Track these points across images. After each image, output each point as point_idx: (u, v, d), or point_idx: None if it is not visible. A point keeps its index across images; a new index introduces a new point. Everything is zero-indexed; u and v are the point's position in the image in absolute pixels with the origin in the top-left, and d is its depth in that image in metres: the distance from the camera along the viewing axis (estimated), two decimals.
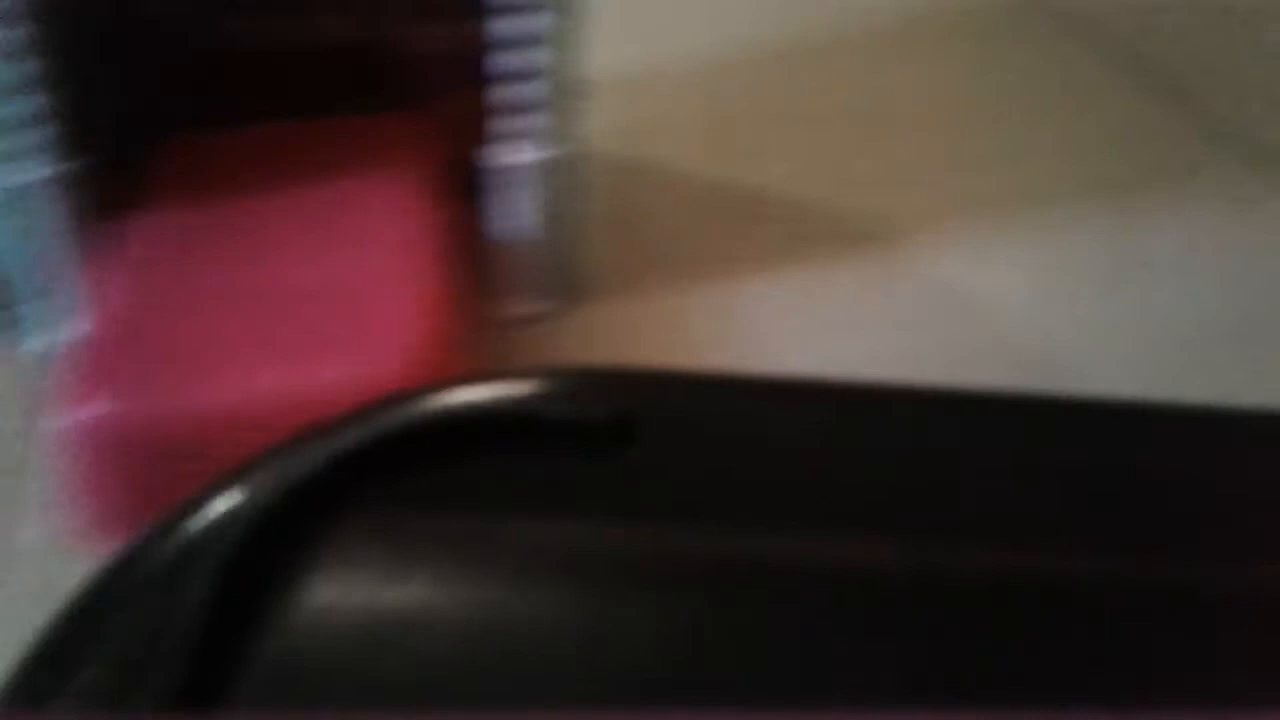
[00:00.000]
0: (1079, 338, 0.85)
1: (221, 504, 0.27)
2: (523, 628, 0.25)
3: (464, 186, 0.95)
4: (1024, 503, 0.27)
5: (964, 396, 0.30)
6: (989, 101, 1.20)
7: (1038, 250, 0.94)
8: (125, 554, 0.28)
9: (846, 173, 1.07)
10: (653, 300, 0.90)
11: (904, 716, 0.24)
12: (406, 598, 0.26)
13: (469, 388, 0.29)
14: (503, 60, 0.84)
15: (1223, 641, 0.26)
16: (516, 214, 0.92)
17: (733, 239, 1.00)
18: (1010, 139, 1.13)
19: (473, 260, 0.91)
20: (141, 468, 0.77)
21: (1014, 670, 0.25)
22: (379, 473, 0.28)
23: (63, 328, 0.94)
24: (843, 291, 0.91)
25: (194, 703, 0.24)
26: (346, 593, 0.27)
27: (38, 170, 0.93)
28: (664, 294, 0.92)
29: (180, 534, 0.27)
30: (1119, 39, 1.28)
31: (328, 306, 0.84)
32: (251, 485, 0.28)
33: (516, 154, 0.89)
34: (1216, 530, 0.28)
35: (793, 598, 0.25)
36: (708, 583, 0.26)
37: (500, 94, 0.85)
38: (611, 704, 0.24)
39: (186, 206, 0.95)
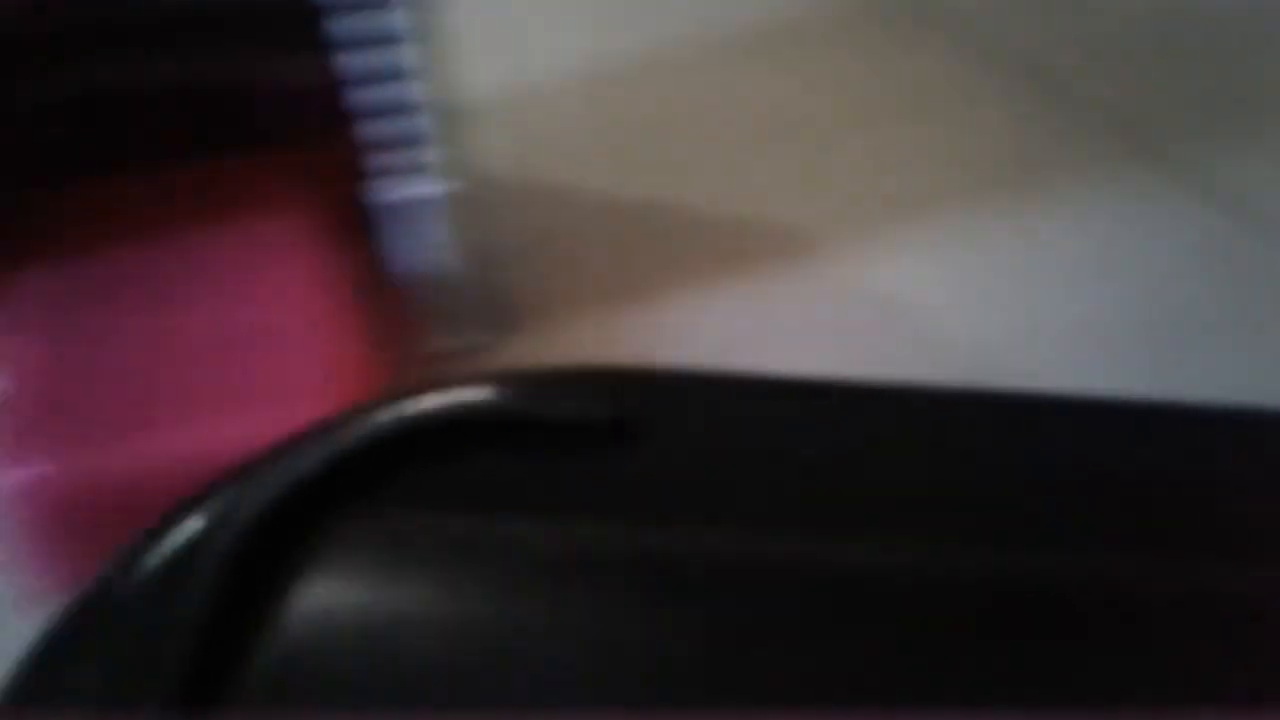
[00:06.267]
0: (1002, 335, 0.88)
1: (220, 504, 0.27)
2: (522, 628, 0.25)
3: (363, 225, 0.96)
4: (1028, 503, 0.28)
5: (969, 395, 0.30)
6: (872, 103, 1.24)
7: (950, 249, 0.97)
8: (124, 555, 0.28)
9: (746, 181, 1.08)
10: (581, 324, 0.90)
11: (906, 717, 0.25)
12: (406, 598, 0.26)
13: (467, 387, 0.29)
14: (366, 95, 0.84)
15: (1224, 642, 0.27)
16: (422, 249, 0.92)
17: (649, 255, 1.02)
18: (901, 140, 1.17)
19: (387, 298, 0.91)
20: (80, 525, 0.76)
21: (1014, 671, 0.26)
22: (378, 472, 0.28)
23: None
24: (772, 301, 0.93)
25: (194, 703, 0.24)
26: (346, 593, 0.27)
27: None
28: (591, 316, 0.93)
29: (178, 534, 0.27)
30: (992, 37, 1.33)
31: (238, 353, 0.84)
32: (250, 485, 0.27)
33: (407, 189, 0.89)
34: (1221, 530, 0.29)
35: (794, 599, 0.26)
36: (707, 583, 0.26)
37: (374, 129, 0.85)
38: (611, 705, 0.24)
39: (71, 260, 0.91)
